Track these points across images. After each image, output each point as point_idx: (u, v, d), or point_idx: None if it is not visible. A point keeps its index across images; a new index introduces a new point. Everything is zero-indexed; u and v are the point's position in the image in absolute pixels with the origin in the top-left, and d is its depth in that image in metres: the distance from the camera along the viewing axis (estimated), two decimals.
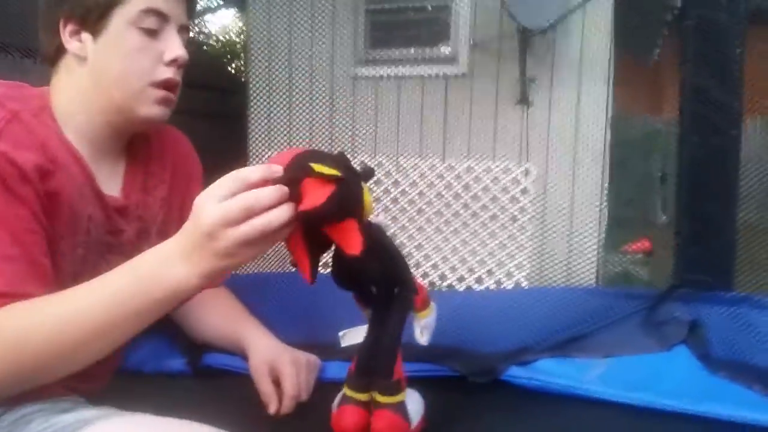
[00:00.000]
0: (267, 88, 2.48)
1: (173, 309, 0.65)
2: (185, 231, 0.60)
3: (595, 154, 2.41)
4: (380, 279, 0.69)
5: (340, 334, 0.88)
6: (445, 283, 2.46)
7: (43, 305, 0.63)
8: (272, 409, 0.80)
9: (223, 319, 0.94)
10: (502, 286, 2.42)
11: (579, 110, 2.42)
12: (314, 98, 2.43)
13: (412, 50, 2.59)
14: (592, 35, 2.36)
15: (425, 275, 2.47)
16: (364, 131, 2.46)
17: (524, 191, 2.50)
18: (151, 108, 0.78)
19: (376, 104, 2.47)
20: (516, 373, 0.84)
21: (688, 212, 1.01)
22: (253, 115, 2.47)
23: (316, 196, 0.57)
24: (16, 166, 0.68)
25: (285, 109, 2.43)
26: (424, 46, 2.60)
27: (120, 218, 0.79)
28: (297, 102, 2.42)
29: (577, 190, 2.43)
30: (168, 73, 0.78)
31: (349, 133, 2.44)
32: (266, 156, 2.36)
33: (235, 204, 0.57)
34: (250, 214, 0.57)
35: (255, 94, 2.49)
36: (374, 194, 2.44)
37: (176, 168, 0.88)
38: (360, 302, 0.74)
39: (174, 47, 0.77)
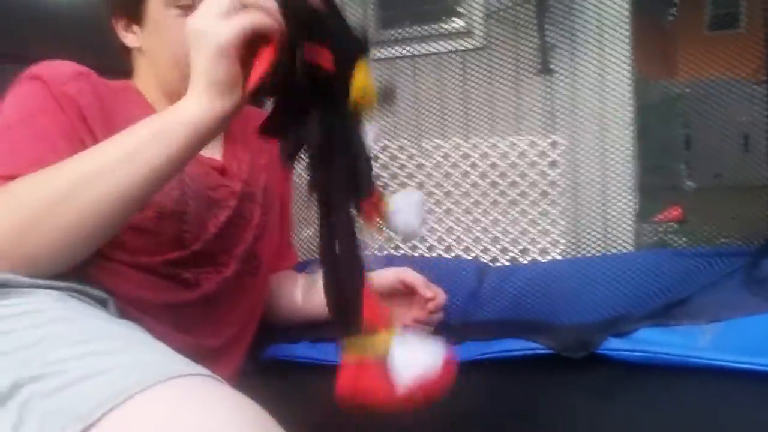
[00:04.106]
0: None
1: (187, 146, 0.59)
2: None
3: (623, 119, 2.33)
4: (321, 153, 0.55)
5: None
6: None
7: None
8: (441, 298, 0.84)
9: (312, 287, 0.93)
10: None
11: (603, 75, 2.33)
12: None
13: (425, 27, 2.50)
14: None
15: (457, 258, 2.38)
16: (382, 115, 2.38)
17: (553, 164, 2.42)
18: None
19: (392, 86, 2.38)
20: (615, 346, 0.76)
21: None
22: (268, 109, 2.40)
23: None
24: (74, 100, 0.71)
25: None
26: (437, 21, 2.51)
27: (220, 177, 0.82)
28: None
29: (608, 158, 2.34)
30: None
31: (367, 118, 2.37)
32: None
33: None
34: None
35: None
36: (398, 179, 2.37)
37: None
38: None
39: None
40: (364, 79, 0.56)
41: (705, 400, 0.71)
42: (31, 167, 0.63)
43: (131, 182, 0.57)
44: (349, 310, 0.54)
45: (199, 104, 0.56)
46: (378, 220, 0.58)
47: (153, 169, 0.57)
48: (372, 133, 0.57)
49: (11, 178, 0.61)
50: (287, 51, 0.53)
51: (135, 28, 0.81)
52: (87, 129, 0.73)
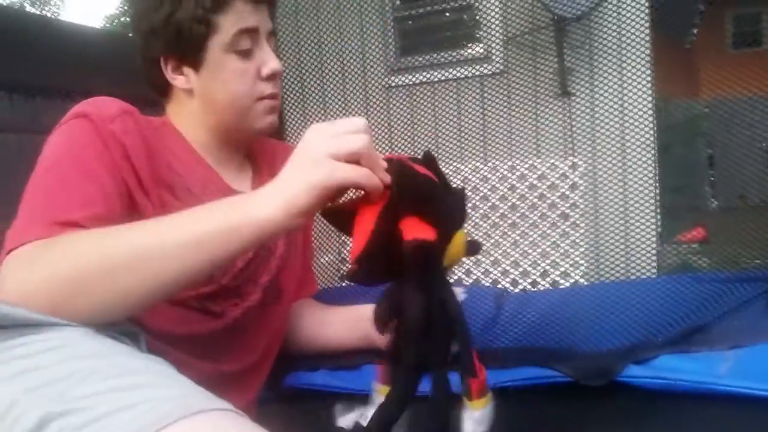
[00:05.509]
0: (301, 106, 2.44)
1: (249, 245, 0.60)
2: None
3: (644, 140, 2.32)
4: (423, 325, 0.54)
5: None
6: None
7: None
8: None
9: (335, 316, 0.95)
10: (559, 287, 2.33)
11: (623, 97, 2.33)
12: (349, 112, 2.38)
13: (444, 54, 2.53)
14: (629, 18, 2.28)
15: (477, 282, 2.38)
16: (401, 141, 2.40)
17: (573, 186, 2.42)
18: (262, 120, 0.83)
19: (411, 112, 2.41)
20: (636, 373, 0.75)
21: None
22: (289, 136, 2.43)
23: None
24: (119, 140, 0.73)
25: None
26: (456, 48, 2.54)
27: None
28: (332, 117, 2.38)
29: (629, 180, 2.33)
30: (270, 89, 0.82)
31: (387, 143, 2.39)
32: None
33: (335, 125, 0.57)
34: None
35: (289, 114, 2.45)
36: None
37: None
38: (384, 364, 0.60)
39: (269, 62, 0.82)
40: (459, 247, 0.56)
41: (726, 428, 0.70)
42: (82, 208, 0.66)
43: (189, 267, 0.59)
44: None
45: (269, 214, 0.57)
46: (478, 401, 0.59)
47: (213, 259, 0.59)
48: (460, 293, 0.58)
49: (68, 223, 0.64)
50: (390, 220, 0.53)
51: (186, 70, 0.82)
52: (130, 168, 0.74)
